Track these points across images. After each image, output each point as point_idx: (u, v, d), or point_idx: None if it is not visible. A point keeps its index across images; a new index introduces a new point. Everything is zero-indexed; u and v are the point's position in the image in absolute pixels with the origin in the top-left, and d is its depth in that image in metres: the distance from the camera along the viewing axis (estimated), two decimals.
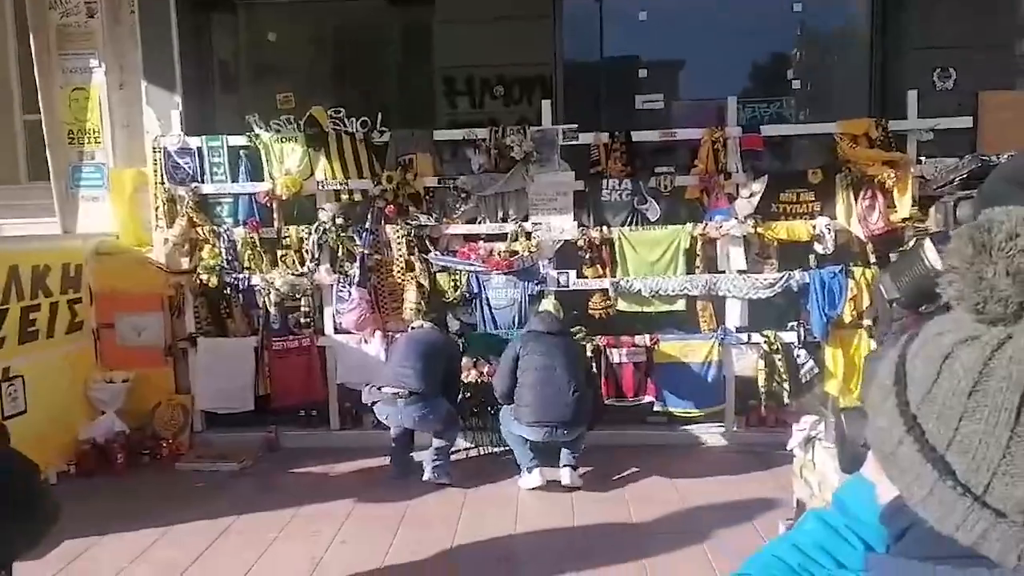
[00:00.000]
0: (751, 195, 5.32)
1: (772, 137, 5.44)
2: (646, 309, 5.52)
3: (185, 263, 5.61)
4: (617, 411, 5.52)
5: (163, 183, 5.58)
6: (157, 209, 5.63)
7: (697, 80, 5.90)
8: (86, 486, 4.94)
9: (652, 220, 5.48)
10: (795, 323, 5.47)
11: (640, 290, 5.43)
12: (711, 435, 5.53)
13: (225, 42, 6.09)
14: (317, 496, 4.66)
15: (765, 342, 5.42)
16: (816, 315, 5.28)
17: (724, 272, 5.42)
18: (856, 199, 5.25)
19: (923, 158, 5.25)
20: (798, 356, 5.43)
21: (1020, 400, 0.65)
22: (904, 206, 5.12)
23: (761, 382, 5.41)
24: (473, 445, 5.46)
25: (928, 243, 2.25)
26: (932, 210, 3.70)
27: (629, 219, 5.49)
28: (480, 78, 5.53)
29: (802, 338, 5.42)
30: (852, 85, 5.79)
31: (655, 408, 5.54)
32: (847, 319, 5.25)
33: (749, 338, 5.44)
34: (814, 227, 5.31)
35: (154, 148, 5.62)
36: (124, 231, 5.86)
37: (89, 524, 4.19)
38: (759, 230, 5.31)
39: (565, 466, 4.72)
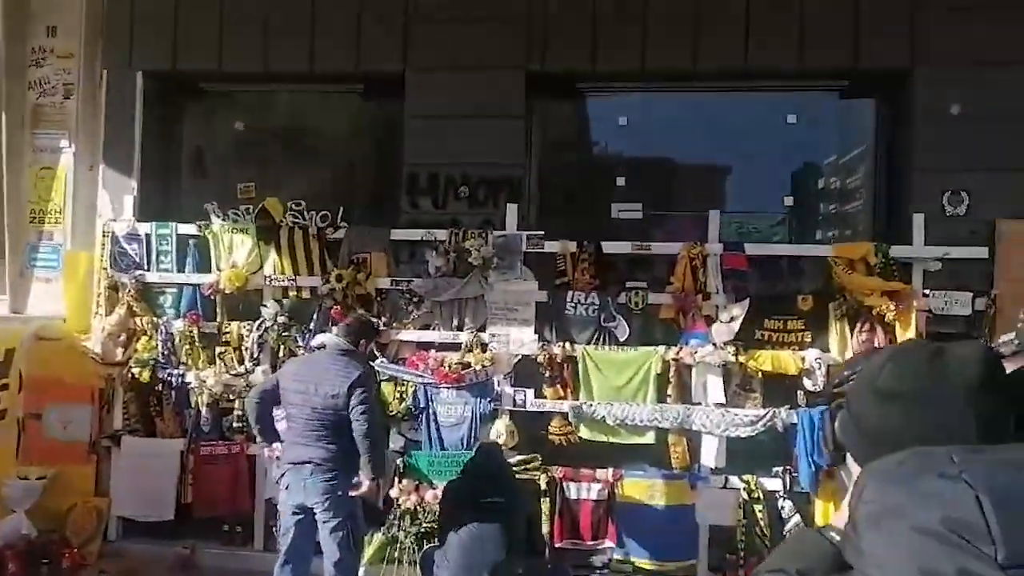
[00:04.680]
0: (731, 319, 4.75)
1: (758, 257, 4.90)
2: (611, 439, 4.90)
3: (120, 354, 5.26)
4: (571, 554, 4.83)
5: (107, 269, 5.32)
6: (99, 296, 5.35)
7: (680, 191, 5.47)
8: None
9: (621, 340, 4.93)
10: (781, 468, 4.76)
11: (604, 417, 4.84)
12: None
13: (192, 129, 5.94)
14: None
15: (745, 488, 4.73)
16: (804, 462, 4.58)
17: (700, 404, 4.80)
18: (852, 331, 4.64)
19: (930, 291, 4.63)
20: (783, 508, 4.70)
21: None
22: None
23: (739, 535, 4.68)
24: None
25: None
26: None
27: (596, 337, 4.96)
28: (445, 176, 5.18)
29: (788, 487, 4.70)
30: (853, 205, 5.27)
31: (613, 556, 4.83)
32: None
33: (726, 481, 4.75)
34: (803, 359, 4.68)
35: (103, 232, 5.40)
36: (72, 316, 5.58)
37: None
38: (741, 359, 4.71)
39: None
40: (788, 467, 4.73)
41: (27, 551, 4.85)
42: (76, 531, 5.14)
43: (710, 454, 4.80)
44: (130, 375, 5.19)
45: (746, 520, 4.70)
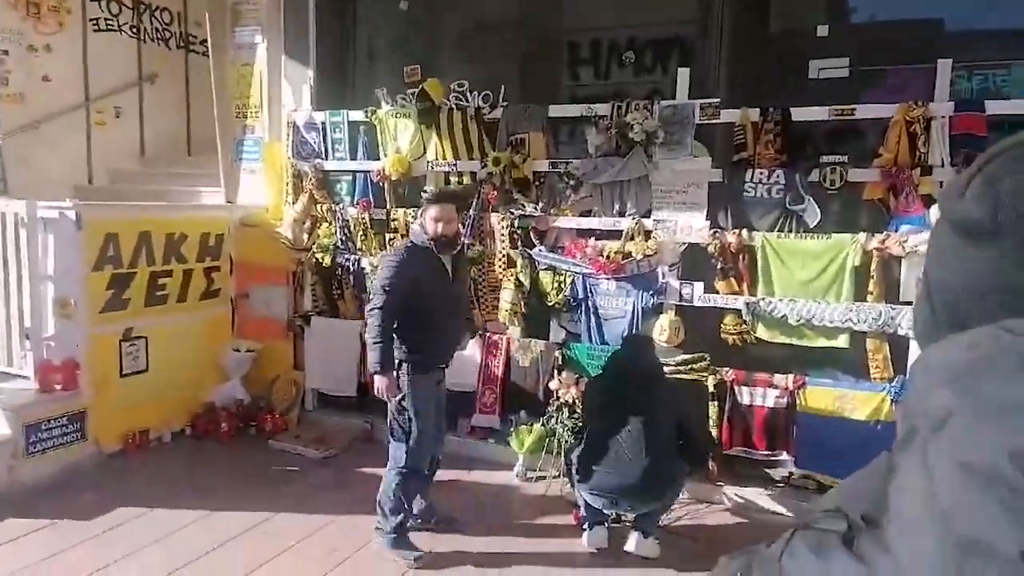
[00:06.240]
0: None
1: (1004, 118, 3.75)
2: (794, 341, 4.25)
3: (306, 239, 5.57)
4: (742, 464, 4.38)
5: (290, 158, 5.58)
6: (287, 184, 5.67)
7: (901, 39, 4.30)
8: (188, 448, 5.18)
9: (811, 225, 4.16)
10: None
11: (786, 315, 4.18)
12: None
13: (363, 14, 5.87)
14: (365, 507, 4.29)
15: None
16: None
17: (910, 304, 3.93)
18: None
19: None
20: None
21: None
22: None
23: None
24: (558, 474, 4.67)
25: None
26: None
27: (780, 222, 4.23)
28: (608, 41, 4.60)
29: None
30: None
31: (791, 471, 4.28)
32: None
33: None
34: None
35: (287, 122, 5.64)
36: (273, 204, 6.02)
37: (148, 494, 4.31)
38: None
39: (636, 529, 3.78)
40: None
41: (237, 414, 5.51)
42: (279, 400, 5.72)
43: None
44: (314, 259, 5.49)
45: None
